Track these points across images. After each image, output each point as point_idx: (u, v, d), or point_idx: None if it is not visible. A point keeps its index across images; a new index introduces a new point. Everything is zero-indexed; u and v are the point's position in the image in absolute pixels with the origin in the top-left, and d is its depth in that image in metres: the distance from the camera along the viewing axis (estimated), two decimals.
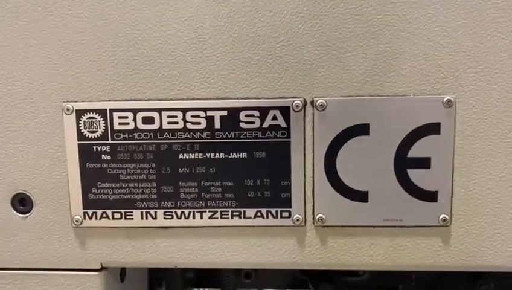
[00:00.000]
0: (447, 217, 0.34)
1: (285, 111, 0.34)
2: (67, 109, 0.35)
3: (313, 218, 0.35)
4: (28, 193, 0.36)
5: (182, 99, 0.35)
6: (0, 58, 0.35)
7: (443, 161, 0.34)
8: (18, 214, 0.37)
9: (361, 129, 0.34)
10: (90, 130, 0.35)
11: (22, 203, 0.37)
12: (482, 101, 0.33)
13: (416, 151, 0.34)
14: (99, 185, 0.36)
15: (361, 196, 0.34)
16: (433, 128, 0.33)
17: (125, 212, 0.36)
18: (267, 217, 0.35)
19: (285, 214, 0.35)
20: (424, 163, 0.34)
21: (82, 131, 0.35)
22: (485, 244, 0.35)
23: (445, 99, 0.33)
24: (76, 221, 0.36)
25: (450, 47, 0.33)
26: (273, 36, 0.33)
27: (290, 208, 0.35)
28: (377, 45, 0.33)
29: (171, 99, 0.34)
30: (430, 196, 0.34)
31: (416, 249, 0.35)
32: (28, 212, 0.37)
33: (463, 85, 0.33)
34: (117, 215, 0.36)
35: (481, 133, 0.33)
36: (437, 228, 0.35)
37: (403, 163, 0.34)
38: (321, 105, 0.34)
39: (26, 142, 0.36)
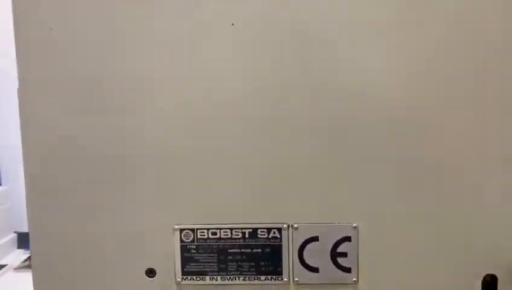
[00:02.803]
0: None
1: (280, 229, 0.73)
2: (175, 229, 0.74)
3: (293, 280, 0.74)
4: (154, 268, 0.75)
5: (230, 223, 0.73)
6: None
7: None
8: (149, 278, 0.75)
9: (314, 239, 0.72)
10: (186, 238, 0.74)
11: (151, 271, 0.75)
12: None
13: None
14: (190, 263, 0.74)
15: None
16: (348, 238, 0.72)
17: (201, 277, 0.75)
18: (270, 279, 0.74)
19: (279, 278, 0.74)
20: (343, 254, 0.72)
21: (182, 238, 0.74)
22: None
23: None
24: (178, 281, 0.75)
25: None
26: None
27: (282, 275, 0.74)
28: None
29: (226, 223, 0.73)
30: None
31: None
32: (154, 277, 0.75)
33: None
34: (198, 278, 0.75)
35: None
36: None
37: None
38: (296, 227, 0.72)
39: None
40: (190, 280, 0.75)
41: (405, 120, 0.69)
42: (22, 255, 1.80)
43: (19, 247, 1.87)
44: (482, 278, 0.70)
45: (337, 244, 0.72)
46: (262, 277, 0.74)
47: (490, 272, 0.71)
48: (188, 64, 0.70)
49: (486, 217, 0.70)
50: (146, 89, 0.71)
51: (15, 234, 1.89)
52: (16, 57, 0.71)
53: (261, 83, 0.70)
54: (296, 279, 0.73)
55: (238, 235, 0.73)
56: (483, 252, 0.71)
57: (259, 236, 0.73)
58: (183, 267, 0.74)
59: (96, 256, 0.75)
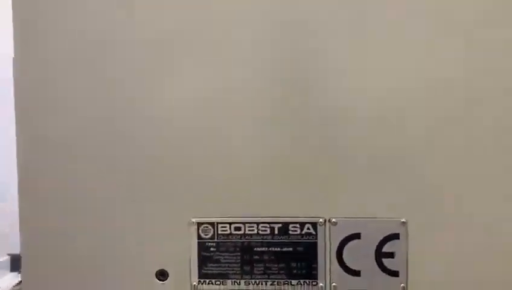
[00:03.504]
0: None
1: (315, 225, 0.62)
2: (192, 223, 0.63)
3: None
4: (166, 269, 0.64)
5: (256, 217, 0.63)
6: None
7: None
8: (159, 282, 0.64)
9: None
10: (205, 234, 0.63)
11: (162, 274, 0.64)
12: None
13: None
14: (208, 264, 0.63)
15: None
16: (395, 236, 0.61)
17: (222, 281, 0.63)
18: (303, 284, 0.63)
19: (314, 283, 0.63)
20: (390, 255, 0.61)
21: (200, 234, 0.63)
22: None
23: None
24: (194, 284, 0.63)
25: None
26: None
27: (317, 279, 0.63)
28: None
29: (251, 217, 0.63)
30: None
31: None
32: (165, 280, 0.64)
33: None
34: (218, 282, 0.63)
35: None
36: None
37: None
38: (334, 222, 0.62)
39: None
40: (208, 283, 0.63)
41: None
42: (14, 278, 1.67)
43: (12, 270, 1.74)
44: None
45: (382, 242, 0.61)
46: (294, 282, 0.63)
47: None
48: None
49: None
50: (157, 79, 0.62)
51: (8, 257, 1.76)
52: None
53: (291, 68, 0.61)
54: (334, 284, 0.62)
55: (265, 230, 0.63)
56: None
57: (290, 232, 0.62)
58: (200, 268, 0.63)
59: (99, 258, 0.64)
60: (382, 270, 0.62)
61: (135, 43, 0.62)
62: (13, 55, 0.64)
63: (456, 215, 0.60)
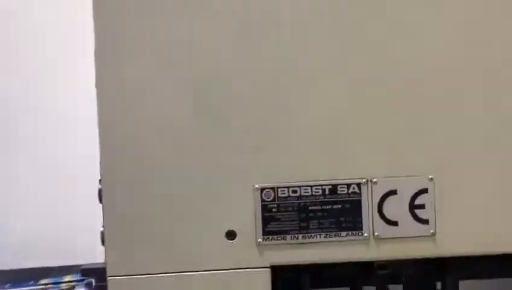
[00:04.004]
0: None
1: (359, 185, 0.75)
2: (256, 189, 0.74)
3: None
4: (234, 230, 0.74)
5: (309, 180, 0.74)
6: None
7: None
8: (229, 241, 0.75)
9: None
10: (267, 197, 0.74)
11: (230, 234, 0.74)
12: None
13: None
14: (271, 223, 0.74)
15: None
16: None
17: (282, 236, 0.75)
18: (351, 235, 0.75)
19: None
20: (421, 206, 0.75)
21: (263, 198, 0.74)
22: None
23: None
24: (259, 241, 0.75)
25: None
26: None
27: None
28: None
29: (306, 180, 0.74)
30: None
31: None
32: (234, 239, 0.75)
33: None
34: (279, 238, 0.75)
35: None
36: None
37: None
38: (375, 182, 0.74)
39: None
40: (271, 240, 0.75)
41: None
42: None
43: None
44: None
45: (414, 196, 0.75)
46: (343, 233, 0.75)
47: None
48: None
49: None
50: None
51: None
52: None
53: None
54: (377, 233, 0.75)
55: (318, 192, 0.75)
56: None
57: (339, 192, 0.75)
58: (264, 227, 0.74)
59: (176, 219, 0.74)
60: (415, 220, 0.75)
61: None
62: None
63: (476, 173, 0.74)
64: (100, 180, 0.75)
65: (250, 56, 0.73)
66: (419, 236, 0.75)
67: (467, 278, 0.79)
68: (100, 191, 0.74)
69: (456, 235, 0.75)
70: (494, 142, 0.75)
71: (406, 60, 0.74)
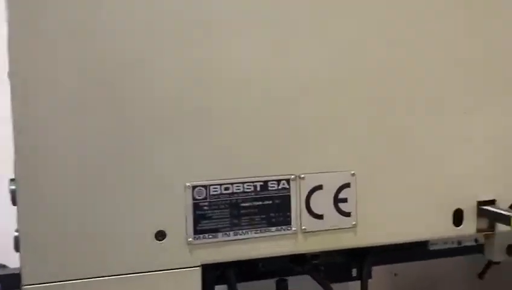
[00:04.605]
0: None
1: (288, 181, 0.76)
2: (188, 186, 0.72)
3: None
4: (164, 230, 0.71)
5: (240, 177, 0.74)
6: None
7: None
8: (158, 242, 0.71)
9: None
10: (199, 195, 0.73)
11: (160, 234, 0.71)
12: None
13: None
14: (202, 221, 0.73)
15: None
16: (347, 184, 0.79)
17: (213, 235, 0.74)
18: (280, 230, 0.76)
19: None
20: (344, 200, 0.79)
21: (194, 196, 0.72)
22: None
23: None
24: (190, 240, 0.73)
25: None
26: None
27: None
28: None
29: (238, 177, 0.74)
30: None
31: None
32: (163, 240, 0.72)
33: None
34: (210, 236, 0.73)
35: None
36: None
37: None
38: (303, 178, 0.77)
39: None
40: (202, 238, 0.73)
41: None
42: None
43: None
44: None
45: (338, 191, 0.78)
46: (273, 229, 0.76)
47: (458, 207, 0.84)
48: None
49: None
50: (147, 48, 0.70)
51: None
52: None
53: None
54: (304, 227, 0.77)
55: (250, 188, 0.75)
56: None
57: (269, 188, 0.76)
58: (195, 226, 0.73)
59: (101, 221, 0.69)
60: (338, 213, 0.79)
61: None
62: None
63: (392, 167, 0.80)
64: (12, 180, 0.67)
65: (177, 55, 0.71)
66: (342, 228, 0.79)
67: (381, 264, 0.86)
68: (13, 192, 0.67)
69: (373, 226, 0.80)
70: (405, 142, 0.81)
71: (332, 59, 0.77)
